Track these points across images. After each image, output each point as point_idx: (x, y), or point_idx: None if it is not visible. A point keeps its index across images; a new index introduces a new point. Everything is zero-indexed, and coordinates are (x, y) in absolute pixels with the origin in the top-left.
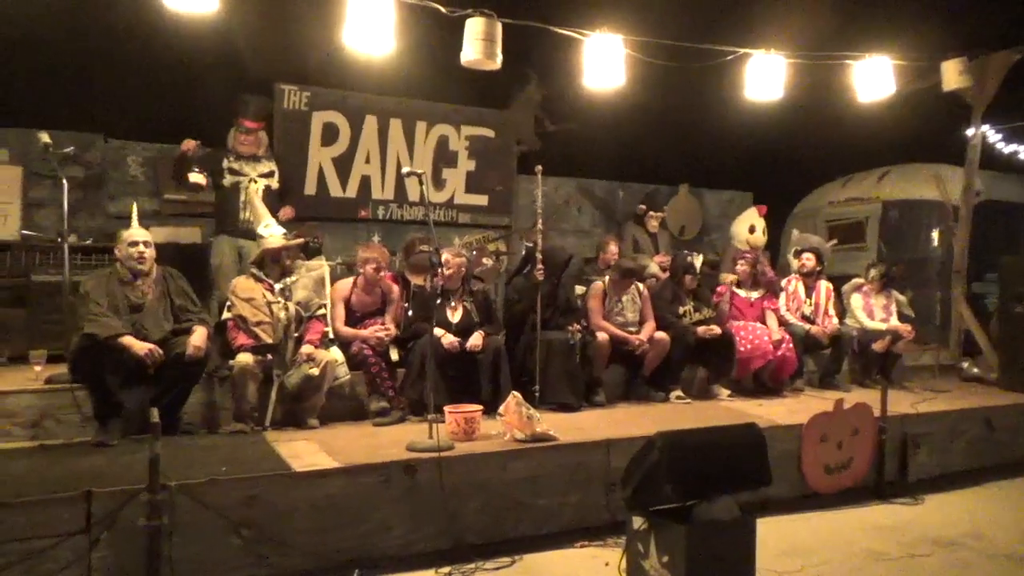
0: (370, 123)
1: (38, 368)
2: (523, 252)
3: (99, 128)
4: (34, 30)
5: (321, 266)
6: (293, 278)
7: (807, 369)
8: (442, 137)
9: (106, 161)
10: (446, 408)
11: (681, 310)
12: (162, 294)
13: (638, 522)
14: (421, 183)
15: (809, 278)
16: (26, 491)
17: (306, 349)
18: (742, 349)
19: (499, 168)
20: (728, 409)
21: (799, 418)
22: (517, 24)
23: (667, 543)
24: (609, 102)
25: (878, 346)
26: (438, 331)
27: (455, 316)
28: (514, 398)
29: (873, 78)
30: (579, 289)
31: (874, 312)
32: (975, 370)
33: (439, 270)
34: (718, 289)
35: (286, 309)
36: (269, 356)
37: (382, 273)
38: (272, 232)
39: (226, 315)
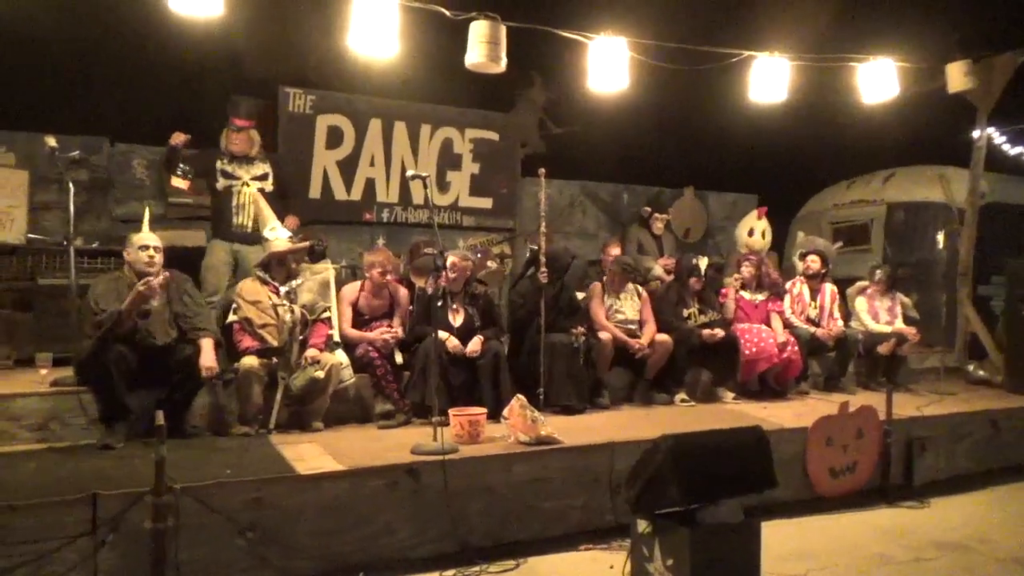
0: (374, 126)
1: (44, 371)
2: (527, 255)
3: (105, 132)
4: (40, 35)
5: (326, 269)
6: (298, 281)
7: (812, 372)
8: (446, 140)
9: (112, 165)
10: (451, 411)
11: (686, 313)
12: (168, 300)
13: (643, 525)
14: (425, 186)
15: (814, 280)
16: (32, 494)
17: (310, 352)
18: (747, 352)
19: (503, 171)
20: (732, 412)
21: (804, 421)
22: (521, 27)
23: (672, 546)
24: (613, 105)
25: (883, 349)
26: (442, 334)
27: (457, 319)
28: (518, 401)
29: (878, 80)
30: (581, 294)
31: (879, 315)
32: (981, 372)
33: (442, 273)
34: (722, 291)
35: (291, 312)
36: (274, 359)
37: (388, 277)
38: (278, 235)
39: (232, 318)
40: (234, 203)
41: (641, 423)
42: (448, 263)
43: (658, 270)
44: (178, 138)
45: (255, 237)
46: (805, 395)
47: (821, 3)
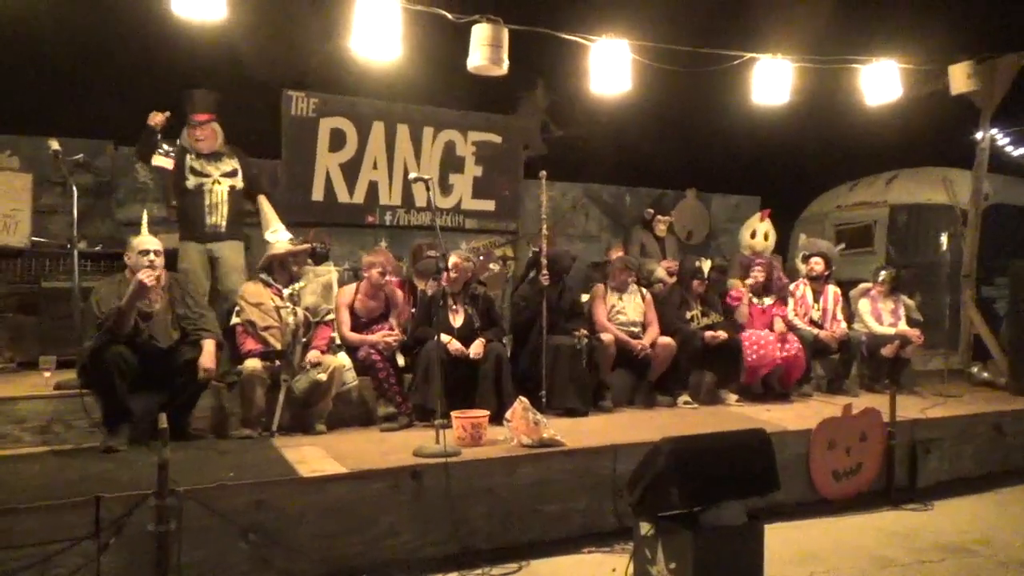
0: (377, 129)
1: (48, 374)
2: (529, 257)
3: (108, 135)
4: (44, 39)
5: (329, 272)
6: (301, 283)
7: (815, 374)
8: (449, 143)
9: (115, 168)
10: (453, 413)
11: (689, 315)
12: (170, 302)
13: (645, 528)
14: (428, 189)
15: (817, 282)
16: (36, 496)
17: (312, 355)
18: (751, 358)
19: (506, 173)
20: (735, 414)
21: (807, 423)
22: (523, 30)
23: (674, 549)
24: (616, 107)
25: (887, 351)
26: (445, 337)
27: (457, 321)
28: (521, 403)
29: (881, 82)
30: (584, 296)
31: (882, 316)
32: (985, 374)
33: (443, 274)
34: (732, 294)
35: (295, 314)
36: (277, 362)
37: (387, 278)
38: (278, 237)
39: (235, 320)
40: (207, 202)
41: (644, 425)
42: (451, 263)
43: (661, 272)
44: (156, 118)
45: (229, 234)
46: (808, 397)
47: (824, 5)
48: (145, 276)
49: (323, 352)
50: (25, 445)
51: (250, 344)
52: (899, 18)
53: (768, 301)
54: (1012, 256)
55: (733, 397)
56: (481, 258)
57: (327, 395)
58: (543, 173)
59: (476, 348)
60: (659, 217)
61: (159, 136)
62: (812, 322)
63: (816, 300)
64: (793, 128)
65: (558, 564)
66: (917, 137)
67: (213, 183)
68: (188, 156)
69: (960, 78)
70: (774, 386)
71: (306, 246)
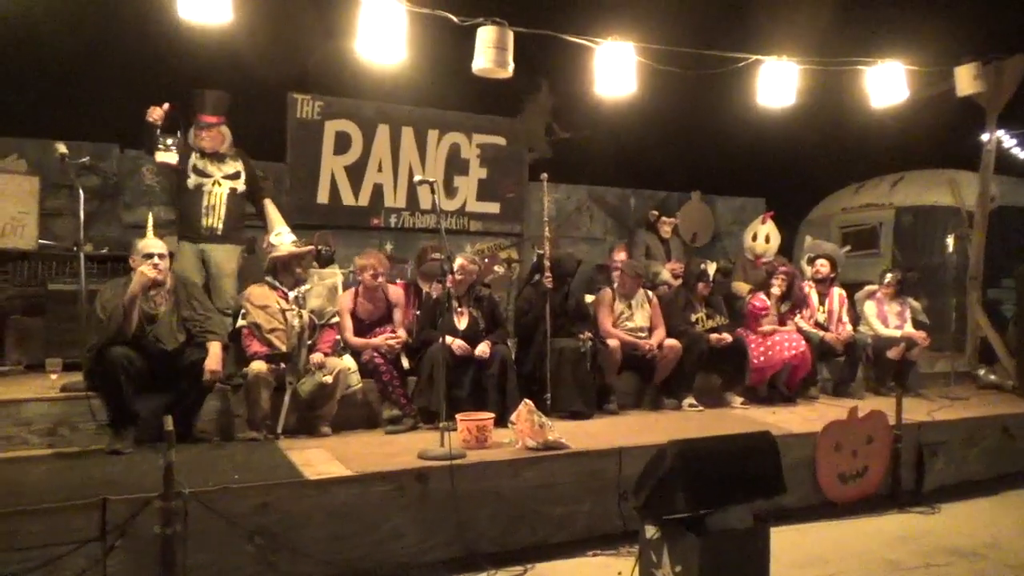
0: (382, 132)
1: (54, 376)
2: (533, 260)
3: (114, 138)
4: (50, 43)
5: (334, 275)
6: (307, 286)
7: (821, 377)
8: (454, 145)
9: (122, 171)
10: (458, 416)
11: (694, 317)
12: (176, 304)
13: (651, 531)
14: (433, 191)
15: (823, 285)
16: (42, 498)
17: (316, 357)
18: (756, 361)
19: (511, 176)
20: (741, 417)
21: (813, 426)
22: (528, 32)
23: (680, 553)
24: (621, 109)
25: (893, 353)
26: (449, 338)
27: (461, 323)
28: (526, 406)
29: (886, 84)
30: (588, 298)
31: (888, 319)
32: (992, 377)
33: (448, 276)
34: (755, 303)
35: (300, 317)
36: (282, 364)
37: (380, 279)
38: (282, 240)
39: (240, 322)
40: (204, 203)
41: (649, 428)
42: (456, 265)
43: (666, 275)
44: (155, 113)
45: (224, 236)
46: (814, 400)
47: (829, 7)
48: (148, 269)
49: (327, 355)
50: (31, 447)
51: (256, 346)
52: (905, 20)
53: (784, 309)
54: (1018, 258)
55: (738, 400)
56: (486, 260)
57: (332, 397)
58: (544, 175)
59: (482, 348)
60: (663, 219)
61: (159, 131)
62: (818, 324)
63: (822, 302)
64: (798, 130)
65: (563, 567)
66: (923, 139)
67: (213, 184)
68: (193, 155)
69: (966, 79)
70: (780, 389)
71: (310, 248)
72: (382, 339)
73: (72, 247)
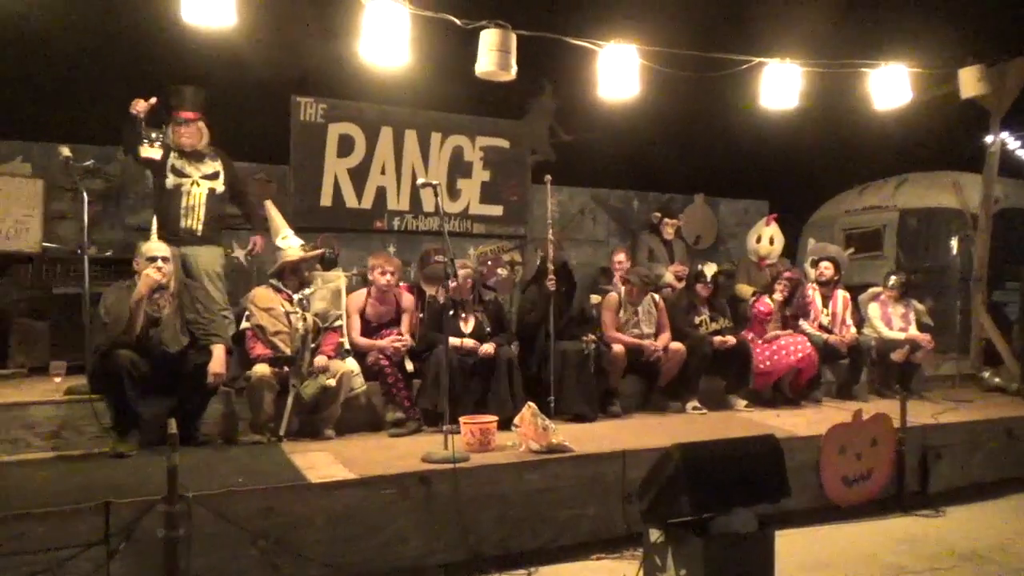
0: (385, 134)
1: (58, 379)
2: (537, 263)
3: (118, 142)
4: (54, 46)
5: (338, 277)
6: (311, 289)
7: (825, 379)
8: (457, 148)
9: (125, 174)
10: (461, 419)
11: (697, 319)
12: (180, 307)
13: (655, 535)
14: (436, 194)
15: (826, 287)
16: (46, 502)
17: (319, 360)
18: (761, 366)
19: (514, 178)
20: (745, 420)
21: (817, 429)
22: (531, 35)
23: (684, 556)
24: (624, 112)
25: (897, 356)
26: (454, 340)
27: (467, 326)
28: (529, 409)
29: (890, 86)
30: (595, 298)
31: (892, 321)
32: (996, 380)
33: (452, 281)
34: (759, 308)
35: (304, 320)
36: (286, 367)
37: (390, 278)
38: (290, 244)
39: (245, 325)
40: (183, 204)
41: (653, 431)
42: (461, 275)
43: (669, 277)
44: (139, 106)
45: (204, 238)
46: (818, 403)
47: (832, 9)
48: (153, 272)
49: (330, 357)
50: (35, 450)
51: (259, 349)
52: (908, 21)
53: (788, 311)
54: (1023, 261)
55: (743, 403)
56: (489, 263)
57: (336, 400)
58: (548, 178)
59: (487, 347)
60: (666, 220)
61: (143, 125)
62: (821, 327)
63: (825, 305)
64: (802, 132)
65: (567, 571)
66: (927, 141)
67: (192, 184)
68: (171, 154)
69: (970, 81)
70: (784, 391)
71: (317, 252)
72: (388, 341)
73: (76, 250)
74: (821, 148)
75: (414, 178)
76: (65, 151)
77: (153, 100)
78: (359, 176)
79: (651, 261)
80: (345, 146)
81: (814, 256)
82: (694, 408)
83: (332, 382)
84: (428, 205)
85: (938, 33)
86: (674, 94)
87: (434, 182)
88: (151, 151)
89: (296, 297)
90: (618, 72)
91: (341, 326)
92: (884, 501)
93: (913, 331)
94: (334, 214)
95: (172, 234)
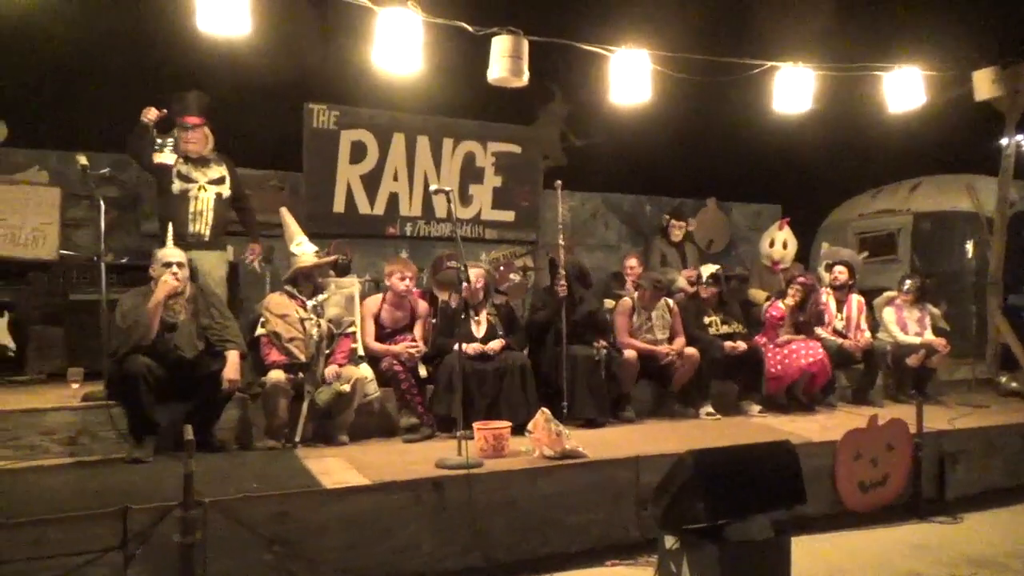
0: (398, 141)
1: (75, 385)
2: (547, 268)
3: (125, 150)
4: (70, 56)
5: (352, 284)
6: (325, 295)
7: (840, 384)
8: (469, 154)
9: (141, 181)
10: (475, 425)
11: (707, 320)
12: (195, 313)
13: (670, 541)
14: (449, 200)
15: (840, 292)
16: (63, 507)
17: (330, 370)
18: (773, 371)
19: (525, 184)
20: (759, 426)
21: (833, 434)
22: (543, 41)
23: (699, 563)
24: (636, 117)
25: (912, 360)
26: (466, 346)
27: (479, 330)
28: (543, 415)
29: (903, 89)
30: (608, 303)
31: (908, 326)
32: (1013, 384)
33: (463, 285)
34: (772, 312)
35: (318, 326)
36: (300, 373)
37: (407, 283)
38: (304, 250)
39: (260, 331)
40: (190, 209)
41: (667, 437)
42: (474, 276)
43: (681, 281)
44: (150, 114)
45: (210, 243)
46: (833, 408)
47: (845, 12)
48: (170, 278)
49: (342, 364)
50: (52, 456)
51: (274, 355)
52: (922, 24)
53: (801, 317)
54: None
55: (756, 408)
56: (502, 268)
57: (350, 406)
58: (559, 183)
59: (495, 343)
60: (674, 222)
61: (154, 133)
62: (836, 332)
63: (840, 309)
64: (814, 136)
65: None
66: (941, 144)
67: (199, 189)
68: (178, 160)
69: (984, 84)
70: (798, 397)
71: (332, 258)
72: (403, 346)
73: (93, 257)
74: (834, 151)
75: (426, 184)
76: (82, 159)
77: (165, 111)
78: (372, 182)
79: (663, 266)
80: (358, 152)
81: (828, 260)
82: (708, 414)
83: (346, 388)
84: (440, 211)
85: (952, 36)
86: (686, 99)
87: (447, 188)
88: (163, 157)
89: (310, 303)
90: (629, 77)
91: (355, 332)
92: (900, 507)
93: (928, 335)
94: (347, 220)
95: (180, 239)
